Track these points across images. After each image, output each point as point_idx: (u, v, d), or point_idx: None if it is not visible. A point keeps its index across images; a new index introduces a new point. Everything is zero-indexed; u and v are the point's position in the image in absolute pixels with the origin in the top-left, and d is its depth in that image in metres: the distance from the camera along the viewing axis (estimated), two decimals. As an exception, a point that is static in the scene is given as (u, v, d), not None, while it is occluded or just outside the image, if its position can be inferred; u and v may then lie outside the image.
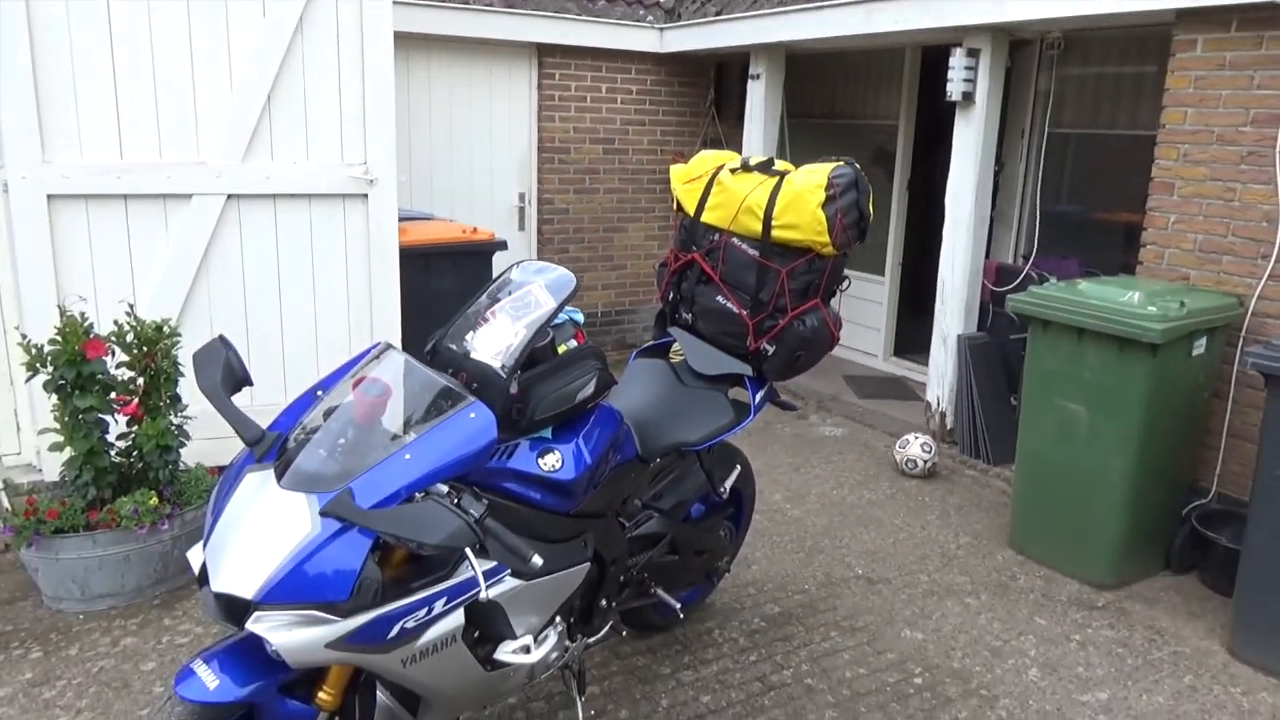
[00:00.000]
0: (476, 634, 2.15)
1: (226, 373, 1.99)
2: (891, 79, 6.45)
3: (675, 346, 2.99)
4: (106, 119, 3.90)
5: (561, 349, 2.23)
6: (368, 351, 2.12)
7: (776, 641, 3.23)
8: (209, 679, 1.86)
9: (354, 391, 1.99)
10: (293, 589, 1.77)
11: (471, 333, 2.18)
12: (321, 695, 1.99)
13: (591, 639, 2.62)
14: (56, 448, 3.27)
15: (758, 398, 2.88)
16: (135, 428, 3.35)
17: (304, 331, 4.41)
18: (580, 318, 2.43)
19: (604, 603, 2.58)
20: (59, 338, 3.18)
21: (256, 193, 4.17)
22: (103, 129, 3.90)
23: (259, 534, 1.81)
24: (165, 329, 3.44)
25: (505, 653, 2.15)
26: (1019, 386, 4.25)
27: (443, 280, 4.86)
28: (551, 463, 2.17)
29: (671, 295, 2.92)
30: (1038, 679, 3.06)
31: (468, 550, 1.88)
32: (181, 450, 3.49)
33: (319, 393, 2.06)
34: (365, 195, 4.36)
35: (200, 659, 1.90)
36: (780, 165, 2.73)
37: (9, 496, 3.24)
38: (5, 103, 3.73)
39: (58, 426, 3.24)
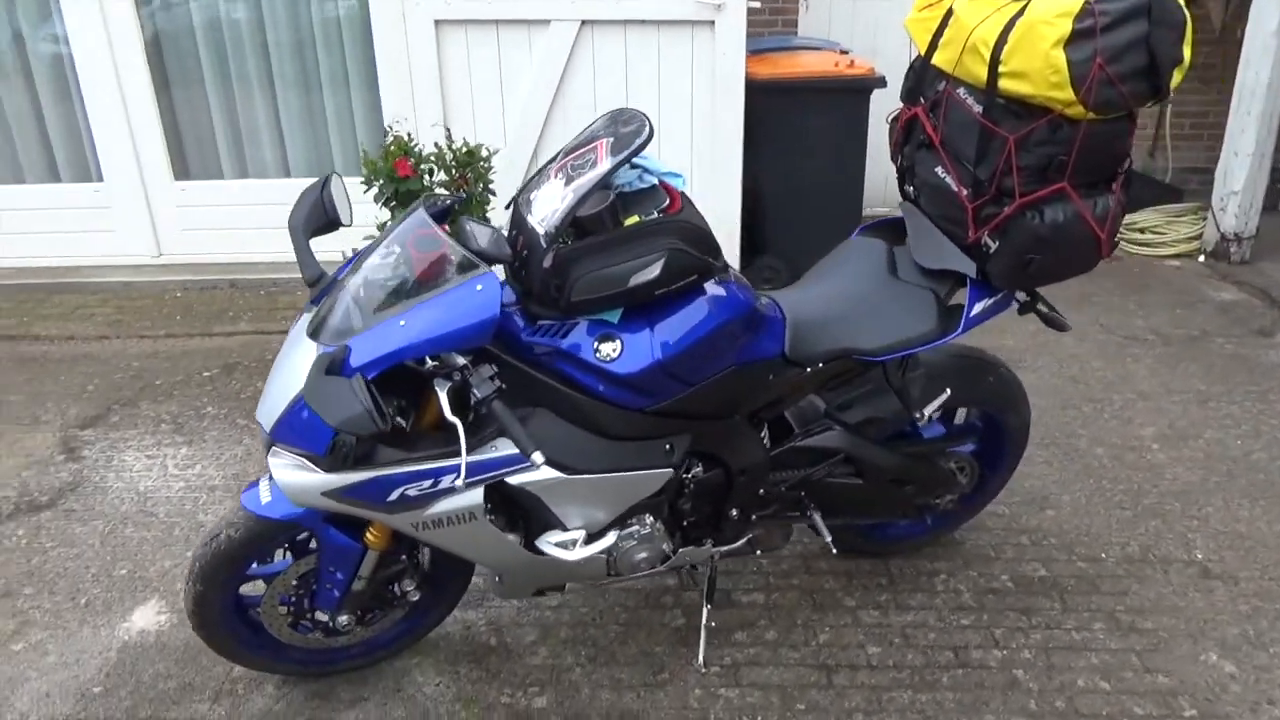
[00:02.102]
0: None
1: (313, 211, 1.99)
2: None
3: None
4: (482, -55, 4.09)
5: (631, 221, 1.86)
6: (419, 206, 1.98)
7: (1011, 611, 2.57)
8: (265, 495, 2.02)
9: (384, 246, 1.89)
10: (287, 433, 1.81)
11: (536, 191, 1.93)
12: (368, 535, 2.06)
13: (723, 547, 2.33)
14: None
15: (975, 308, 2.17)
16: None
17: (647, 164, 4.36)
18: (680, 183, 1.99)
19: (734, 513, 2.26)
20: (385, 156, 3.54)
21: (608, 18, 4.12)
22: (478, -46, 4.11)
23: (286, 375, 1.87)
24: (483, 152, 3.64)
25: (545, 543, 2.01)
26: None
27: (812, 118, 4.39)
28: (608, 351, 1.89)
29: (899, 161, 2.27)
30: (1390, 788, 2.05)
31: (460, 431, 1.74)
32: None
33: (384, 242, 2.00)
34: (712, 22, 4.06)
35: (267, 477, 2.06)
36: None
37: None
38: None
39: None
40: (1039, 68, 1.80)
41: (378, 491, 1.85)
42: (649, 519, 2.14)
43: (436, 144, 3.63)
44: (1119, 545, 2.84)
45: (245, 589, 2.19)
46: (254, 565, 2.14)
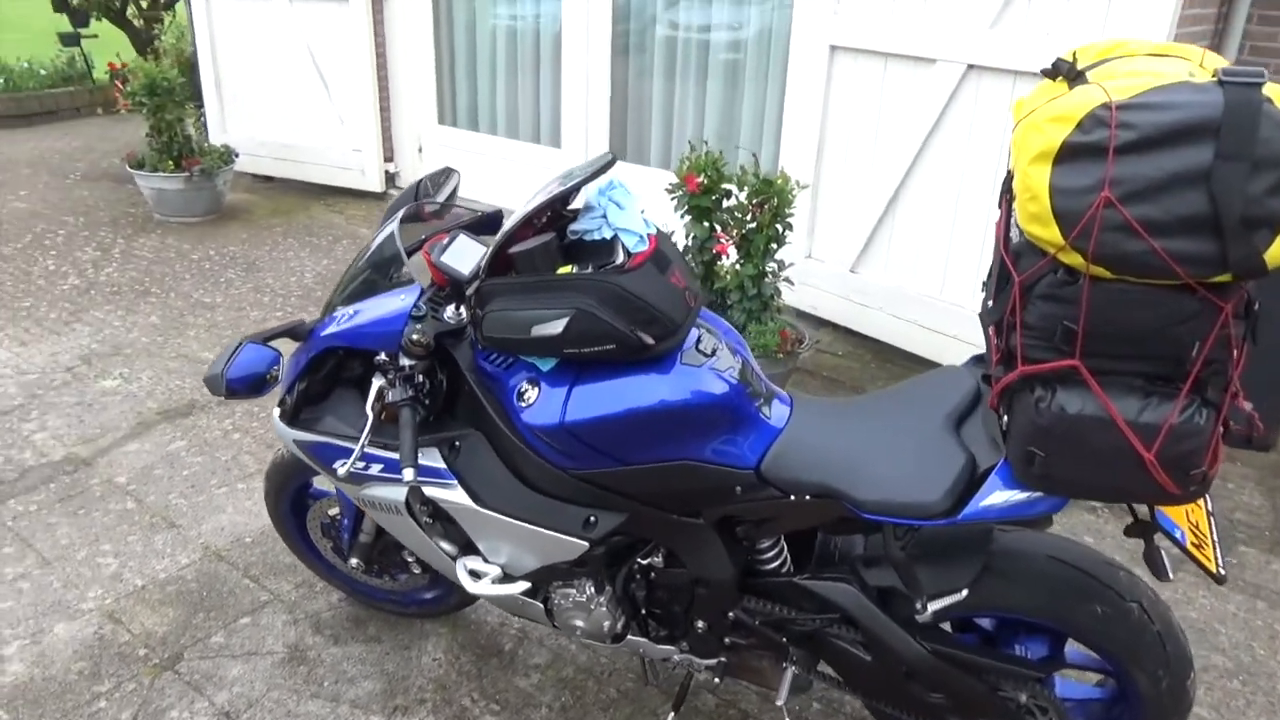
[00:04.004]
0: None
1: (405, 201, 2.14)
2: None
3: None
4: (887, -29, 3.86)
5: (564, 269, 1.70)
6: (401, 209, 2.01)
7: None
8: None
9: (379, 240, 1.98)
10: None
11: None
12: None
13: (697, 659, 2.07)
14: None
15: (989, 498, 1.55)
16: (720, 263, 3.63)
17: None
18: (637, 236, 1.71)
19: (699, 625, 1.99)
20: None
21: (996, 65, 3.62)
22: (882, -18, 3.89)
23: None
24: (785, 185, 3.50)
25: (460, 564, 2.00)
26: None
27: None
28: (527, 396, 1.79)
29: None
30: None
31: (368, 423, 1.83)
32: (770, 304, 3.63)
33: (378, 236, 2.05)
34: (1110, 83, 3.32)
35: None
36: (1103, 57, 1.27)
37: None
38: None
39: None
40: (1020, 187, 1.24)
41: (325, 456, 2.01)
42: (589, 587, 1.99)
43: (742, 167, 3.58)
44: None
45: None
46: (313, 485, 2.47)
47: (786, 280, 3.67)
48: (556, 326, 1.67)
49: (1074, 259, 1.24)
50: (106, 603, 2.65)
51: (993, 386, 1.49)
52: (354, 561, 2.37)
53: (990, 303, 1.48)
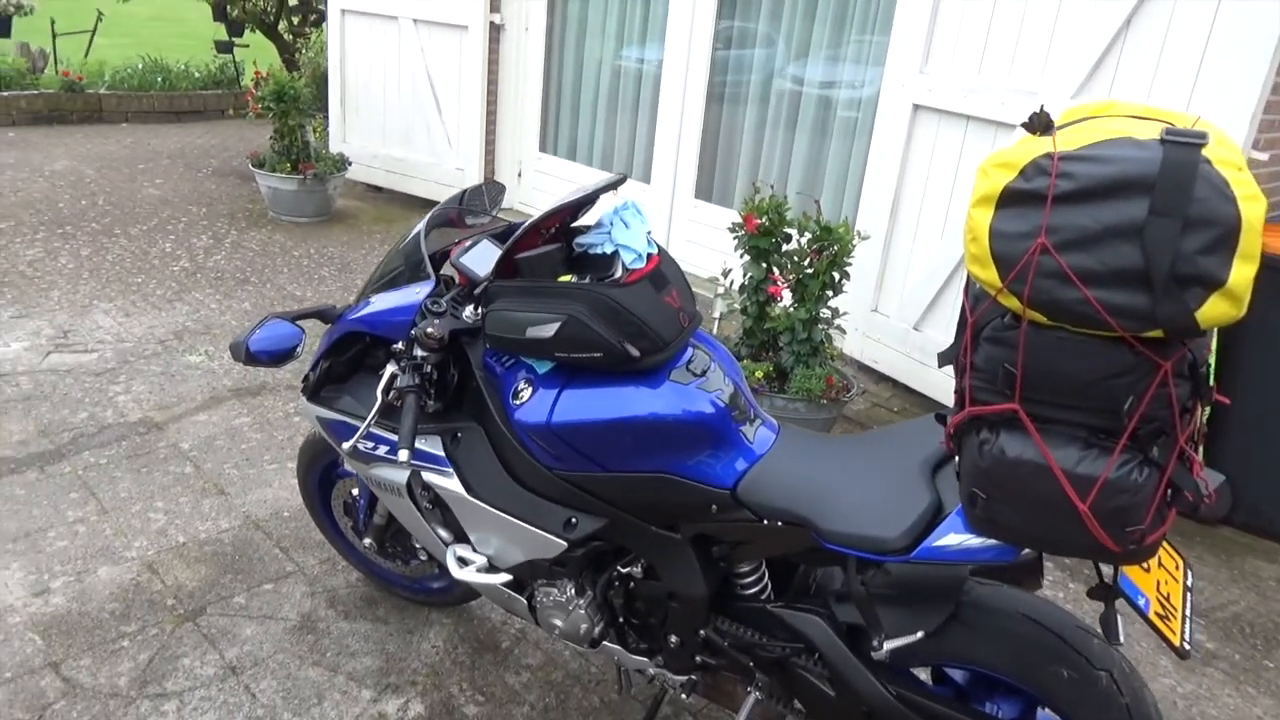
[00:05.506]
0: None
1: (437, 217, 2.24)
2: None
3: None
4: (977, 37, 3.89)
5: (565, 278, 1.79)
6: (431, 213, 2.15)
7: None
8: None
9: (410, 238, 2.11)
10: None
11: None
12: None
13: (670, 673, 2.10)
14: (726, 297, 3.87)
15: (943, 539, 1.55)
16: (774, 305, 3.67)
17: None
18: (632, 259, 1.78)
19: (673, 639, 2.03)
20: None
21: (1075, 134, 3.57)
22: (971, 47, 3.92)
23: None
24: (846, 234, 3.54)
25: (451, 549, 2.10)
26: None
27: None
28: (522, 395, 1.89)
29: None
30: None
31: (376, 404, 1.95)
32: (825, 345, 3.64)
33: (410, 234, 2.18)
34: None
35: None
36: (1087, 115, 1.29)
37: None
38: (904, 10, 4.12)
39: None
40: (965, 230, 1.28)
41: (340, 433, 2.15)
42: (570, 589, 2.06)
43: (805, 213, 3.63)
44: None
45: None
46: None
47: (839, 328, 3.69)
48: (548, 330, 1.76)
49: (1012, 302, 1.27)
50: (149, 554, 2.85)
51: (945, 427, 1.51)
52: (367, 542, 2.49)
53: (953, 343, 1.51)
